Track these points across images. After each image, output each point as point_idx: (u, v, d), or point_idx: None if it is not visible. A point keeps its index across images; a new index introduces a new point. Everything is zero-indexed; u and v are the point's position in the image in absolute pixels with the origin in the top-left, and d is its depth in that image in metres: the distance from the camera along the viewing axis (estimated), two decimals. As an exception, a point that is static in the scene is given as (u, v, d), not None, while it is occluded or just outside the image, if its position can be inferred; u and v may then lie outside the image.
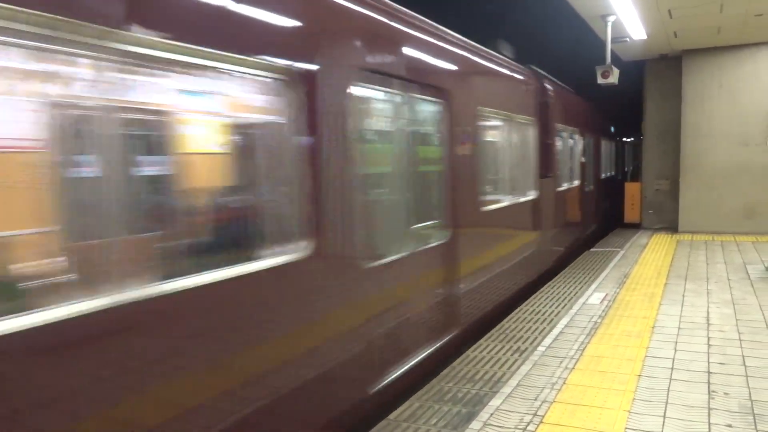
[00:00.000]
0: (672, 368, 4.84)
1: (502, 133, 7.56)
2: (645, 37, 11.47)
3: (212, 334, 2.95)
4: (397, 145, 4.89)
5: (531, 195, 8.42)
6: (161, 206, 3.02)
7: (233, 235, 3.34)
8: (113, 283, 2.53)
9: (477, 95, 6.52)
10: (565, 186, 10.39)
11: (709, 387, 4.43)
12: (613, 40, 10.89)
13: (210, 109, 3.30)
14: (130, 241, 2.62)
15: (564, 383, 4.61)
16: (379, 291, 4.44)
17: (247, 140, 3.55)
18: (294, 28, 3.59)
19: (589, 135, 12.59)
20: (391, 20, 4.77)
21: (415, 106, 5.19)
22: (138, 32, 2.56)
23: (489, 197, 6.84)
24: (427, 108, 5.47)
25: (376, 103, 4.65)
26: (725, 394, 4.30)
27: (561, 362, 5.08)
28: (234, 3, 3.07)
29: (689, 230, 13.22)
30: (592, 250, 11.46)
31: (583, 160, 11.98)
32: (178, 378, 2.78)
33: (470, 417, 4.11)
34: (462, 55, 6.29)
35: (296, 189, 3.55)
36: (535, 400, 4.32)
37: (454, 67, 6.00)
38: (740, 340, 5.53)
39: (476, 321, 6.42)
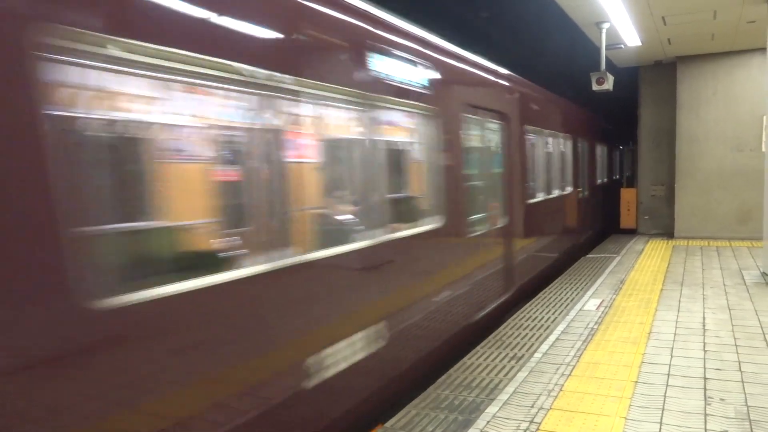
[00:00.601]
0: (668, 374, 4.84)
1: (599, 152, 15.08)
2: (639, 43, 11.55)
3: (560, 213, 11.16)
4: (583, 159, 12.93)
5: (605, 180, 16.31)
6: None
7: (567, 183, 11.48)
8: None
9: (595, 137, 14.37)
10: (613, 178, 18.56)
11: (705, 393, 4.44)
12: (608, 47, 10.96)
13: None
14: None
15: (561, 390, 4.60)
16: (580, 210, 12.59)
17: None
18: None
19: (620, 147, 20.59)
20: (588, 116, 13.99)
21: (585, 146, 13.08)
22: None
23: (594, 180, 14.51)
24: (585, 146, 13.18)
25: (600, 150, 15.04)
26: (721, 400, 4.31)
27: (557, 369, 5.08)
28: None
29: (685, 236, 13.27)
30: (588, 256, 11.48)
31: (618, 163, 20.34)
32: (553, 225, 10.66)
33: (467, 424, 4.10)
34: (597, 121, 14.95)
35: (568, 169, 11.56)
36: (532, 407, 4.31)
37: (593, 126, 14.22)
38: (736, 345, 5.54)
39: (594, 232, 14.37)
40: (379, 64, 4.55)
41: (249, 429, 3.25)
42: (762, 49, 12.39)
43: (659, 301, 7.41)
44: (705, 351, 5.41)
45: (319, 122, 4.02)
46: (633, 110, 15.21)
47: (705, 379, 4.72)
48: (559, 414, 4.17)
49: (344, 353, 4.06)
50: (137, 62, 2.63)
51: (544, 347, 5.70)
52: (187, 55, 2.84)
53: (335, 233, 4.28)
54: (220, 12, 3.08)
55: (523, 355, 5.49)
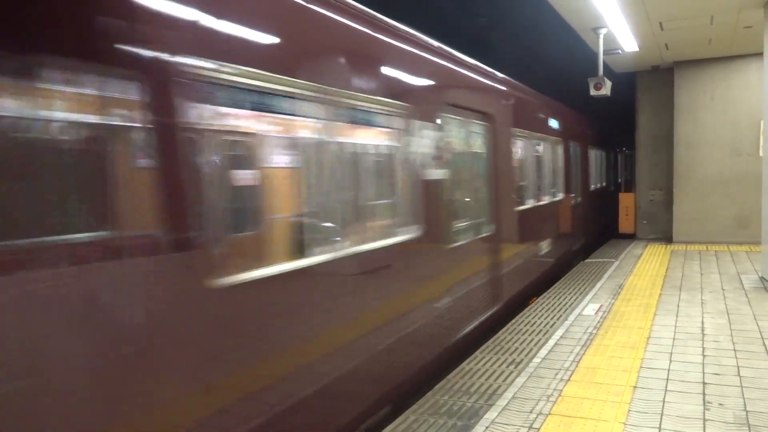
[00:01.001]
0: (667, 379, 4.84)
1: (620, 160, 20.14)
2: (637, 49, 11.58)
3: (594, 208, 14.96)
4: (604, 163, 16.98)
5: (621, 180, 20.20)
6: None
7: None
8: None
9: (616, 147, 19.16)
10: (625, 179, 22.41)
11: (704, 398, 4.43)
12: (606, 52, 10.99)
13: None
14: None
15: (559, 395, 4.60)
16: (593, 214, 14.59)
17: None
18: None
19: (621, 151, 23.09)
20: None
21: (612, 156, 18.64)
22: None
23: (618, 180, 19.66)
24: (612, 155, 18.66)
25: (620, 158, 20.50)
26: (720, 405, 4.30)
27: (556, 374, 5.08)
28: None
29: (683, 240, 13.28)
30: (587, 261, 11.49)
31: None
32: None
33: (466, 430, 4.09)
34: (606, 131, 17.15)
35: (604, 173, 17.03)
36: (531, 412, 4.30)
37: (610, 138, 17.70)
38: (735, 350, 5.54)
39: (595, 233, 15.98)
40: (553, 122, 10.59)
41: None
42: (759, 54, 12.41)
43: (658, 305, 7.41)
44: (704, 356, 5.41)
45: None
46: (630, 115, 15.24)
47: (704, 383, 4.72)
48: (558, 419, 4.16)
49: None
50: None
51: (543, 352, 5.69)
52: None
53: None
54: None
55: (521, 361, 5.49)
